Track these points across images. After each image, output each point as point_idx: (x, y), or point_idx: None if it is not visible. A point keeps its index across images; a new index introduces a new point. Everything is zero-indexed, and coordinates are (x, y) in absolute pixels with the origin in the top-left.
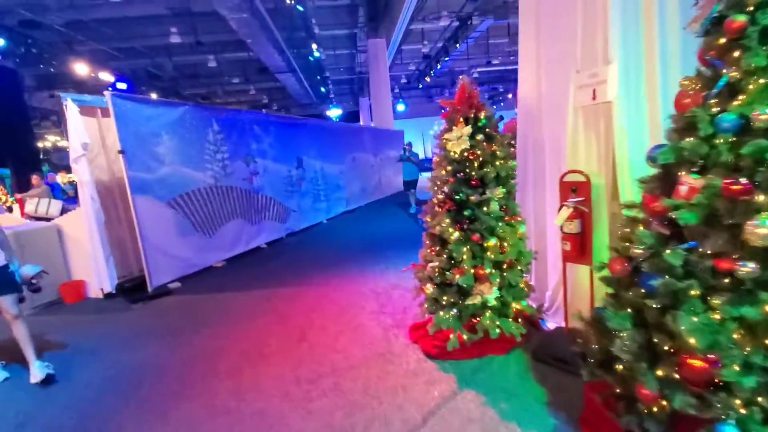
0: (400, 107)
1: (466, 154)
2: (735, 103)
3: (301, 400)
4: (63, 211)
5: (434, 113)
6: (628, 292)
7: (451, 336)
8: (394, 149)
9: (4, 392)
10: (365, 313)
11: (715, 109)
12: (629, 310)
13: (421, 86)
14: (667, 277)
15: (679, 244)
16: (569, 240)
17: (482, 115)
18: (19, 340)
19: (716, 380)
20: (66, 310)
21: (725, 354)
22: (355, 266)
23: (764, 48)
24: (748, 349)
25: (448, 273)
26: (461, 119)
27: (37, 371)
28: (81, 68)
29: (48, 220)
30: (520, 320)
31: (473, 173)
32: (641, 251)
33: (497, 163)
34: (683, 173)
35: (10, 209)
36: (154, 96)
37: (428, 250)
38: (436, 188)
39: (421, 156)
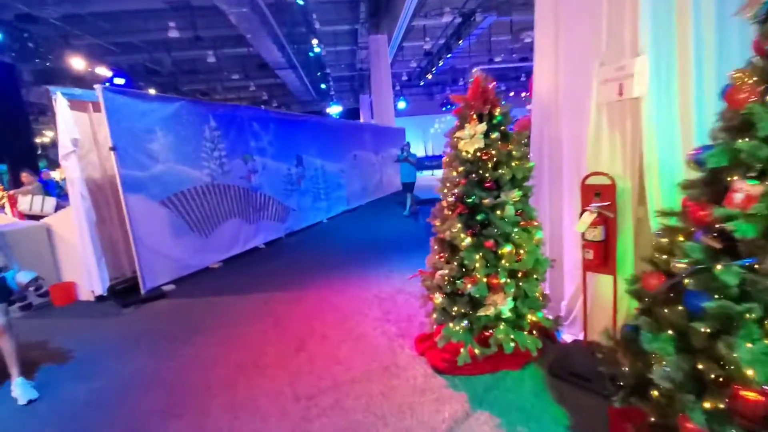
0: (401, 105)
1: (479, 153)
2: None
3: (300, 421)
4: (57, 208)
5: (435, 111)
6: (666, 311)
7: (462, 350)
8: (395, 147)
9: None
10: (368, 321)
11: None
12: (670, 332)
13: (422, 83)
14: (719, 297)
15: (733, 259)
16: (591, 248)
17: (497, 111)
18: (4, 354)
19: None
20: (55, 314)
21: None
22: (357, 269)
23: None
24: None
25: (458, 282)
26: (474, 116)
27: (20, 392)
28: (78, 63)
29: (42, 217)
30: (534, 332)
31: (487, 174)
32: (685, 266)
33: (513, 163)
34: (736, 178)
35: (2, 207)
36: (152, 91)
37: (437, 257)
38: (446, 190)
39: (422, 154)
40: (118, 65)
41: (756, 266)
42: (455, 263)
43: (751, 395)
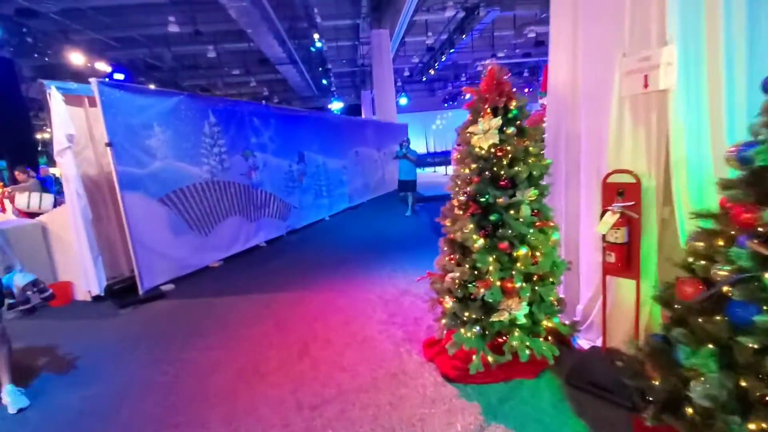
0: (403, 101)
1: (493, 150)
2: None
3: None
4: (56, 205)
5: (437, 107)
6: (705, 323)
7: (474, 357)
8: (397, 143)
9: None
10: (373, 324)
11: None
12: (711, 346)
13: (424, 79)
14: None
15: None
16: (613, 250)
17: (513, 105)
18: None
19: None
20: (50, 314)
21: None
22: (361, 268)
23: None
24: None
25: (470, 285)
26: (488, 110)
27: (10, 400)
28: (77, 58)
29: (40, 215)
30: (550, 338)
31: (502, 172)
32: (727, 273)
33: (530, 160)
34: None
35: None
36: (152, 87)
37: (447, 258)
38: (457, 188)
39: (423, 151)
40: (118, 60)
41: None
42: (467, 266)
43: None
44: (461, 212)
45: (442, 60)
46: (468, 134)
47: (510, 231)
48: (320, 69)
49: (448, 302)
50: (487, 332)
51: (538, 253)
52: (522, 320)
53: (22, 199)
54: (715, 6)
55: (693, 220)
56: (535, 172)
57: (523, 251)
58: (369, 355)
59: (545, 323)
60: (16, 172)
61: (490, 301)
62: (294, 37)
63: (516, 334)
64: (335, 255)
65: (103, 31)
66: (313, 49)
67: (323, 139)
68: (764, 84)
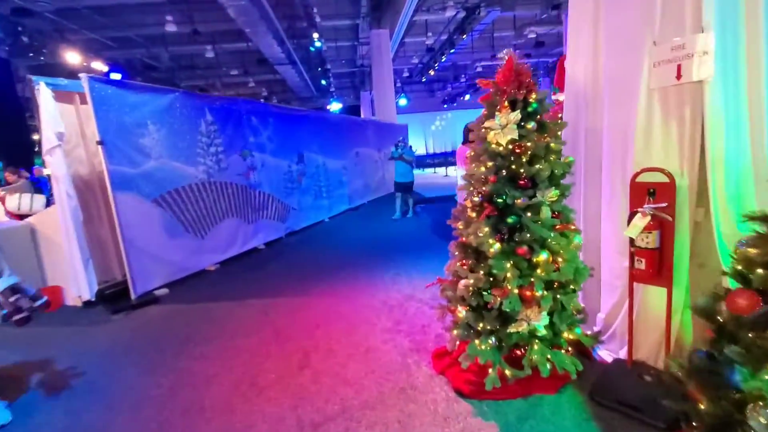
0: (402, 101)
1: (511, 146)
2: None
3: None
4: (48, 206)
5: (436, 108)
6: (762, 339)
7: (491, 371)
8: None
9: None
10: (377, 332)
11: None
12: None
13: (424, 80)
14: None
15: None
16: (644, 256)
17: (533, 97)
18: None
19: None
20: (39, 321)
21: None
22: (362, 272)
23: None
24: None
25: (486, 294)
26: (506, 103)
27: None
28: (73, 57)
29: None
30: (570, 350)
31: (521, 171)
32: None
33: (551, 158)
34: None
35: None
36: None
37: (459, 264)
38: (471, 188)
39: (422, 152)
40: (115, 60)
41: None
42: (481, 272)
43: None
44: (475, 214)
45: (442, 60)
46: (483, 130)
47: (528, 234)
48: (319, 69)
49: (461, 311)
50: (503, 344)
51: (560, 259)
52: (542, 331)
53: (12, 201)
54: None
55: (732, 223)
56: (556, 171)
57: (543, 257)
58: (374, 366)
59: (566, 334)
60: (6, 173)
61: (508, 310)
62: (293, 37)
63: (536, 347)
64: (336, 258)
65: (99, 31)
66: (312, 48)
67: (323, 139)
68: None
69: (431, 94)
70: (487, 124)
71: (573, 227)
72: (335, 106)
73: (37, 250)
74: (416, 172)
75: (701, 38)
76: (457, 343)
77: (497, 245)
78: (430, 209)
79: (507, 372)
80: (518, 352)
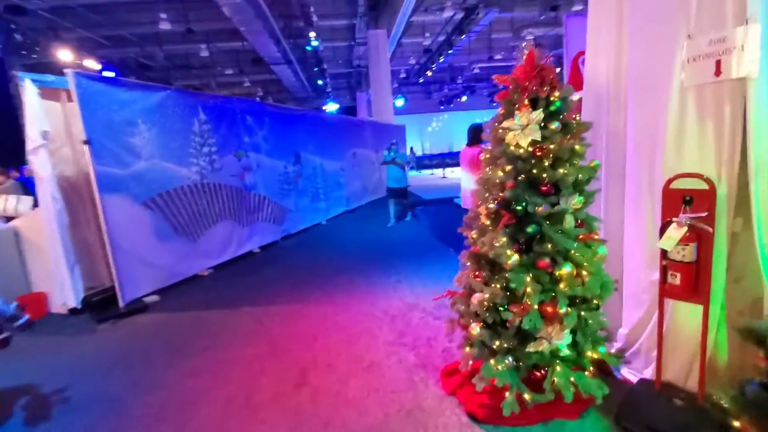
0: (399, 102)
1: (531, 149)
2: None
3: None
4: (35, 207)
5: (433, 110)
6: None
7: (508, 394)
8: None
9: None
10: (380, 345)
11: None
12: None
13: (421, 80)
14: None
15: None
16: (679, 271)
17: (555, 95)
18: None
19: None
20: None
21: None
22: (362, 277)
23: None
24: None
25: (502, 309)
26: (527, 101)
27: None
28: (66, 55)
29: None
30: (592, 370)
31: (544, 175)
32: None
33: (575, 161)
34: None
35: None
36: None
37: (472, 276)
38: (487, 194)
39: (419, 153)
40: (109, 59)
41: None
42: (498, 285)
43: None
44: (489, 222)
45: (440, 61)
46: (501, 130)
47: (549, 245)
48: (316, 69)
49: (475, 328)
50: (521, 364)
51: (584, 272)
52: (565, 351)
53: None
54: None
55: None
56: (581, 176)
57: (567, 270)
58: (377, 385)
59: (589, 353)
60: None
61: (527, 328)
62: (289, 37)
63: (558, 368)
64: (333, 262)
65: (93, 29)
66: (308, 48)
67: (320, 139)
68: None
69: (428, 95)
70: (505, 124)
71: (597, 237)
72: (332, 107)
73: (21, 255)
74: (412, 173)
75: (744, 31)
76: (471, 362)
77: (515, 257)
78: (429, 212)
79: (526, 396)
80: (537, 374)
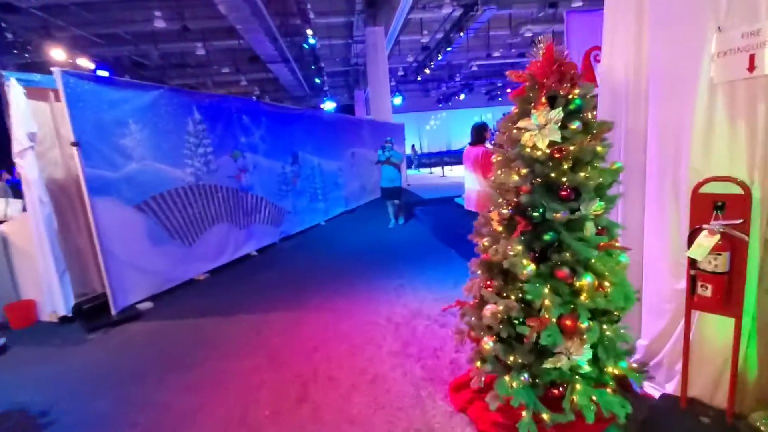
0: (397, 100)
1: (548, 150)
2: None
3: None
4: (25, 210)
5: (431, 108)
6: None
7: (525, 413)
8: (394, 144)
9: None
10: (383, 356)
11: None
12: None
13: (419, 78)
14: None
15: None
16: (711, 282)
17: (575, 92)
18: None
19: None
20: (8, 339)
21: None
22: (363, 282)
23: None
24: None
25: (517, 322)
26: (544, 98)
27: None
28: (59, 54)
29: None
30: (613, 386)
31: (563, 179)
32: None
33: (596, 164)
34: None
35: None
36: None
37: (483, 286)
38: (500, 199)
39: (419, 151)
40: (103, 58)
41: None
42: (512, 297)
43: None
44: (503, 229)
45: (438, 59)
46: (516, 131)
47: (568, 254)
48: (313, 67)
49: (488, 342)
50: (537, 381)
51: (606, 283)
52: (586, 368)
53: None
54: None
55: None
56: (603, 180)
57: (587, 280)
58: (383, 400)
59: (611, 369)
60: None
61: (546, 344)
62: (286, 35)
63: (579, 387)
64: (333, 265)
65: (86, 28)
66: (306, 46)
67: (318, 139)
68: None
69: (426, 93)
70: (521, 123)
71: (617, 243)
72: (329, 105)
73: (9, 261)
74: (412, 172)
75: None
76: (483, 378)
77: (532, 266)
78: (429, 212)
79: (544, 416)
80: (555, 391)
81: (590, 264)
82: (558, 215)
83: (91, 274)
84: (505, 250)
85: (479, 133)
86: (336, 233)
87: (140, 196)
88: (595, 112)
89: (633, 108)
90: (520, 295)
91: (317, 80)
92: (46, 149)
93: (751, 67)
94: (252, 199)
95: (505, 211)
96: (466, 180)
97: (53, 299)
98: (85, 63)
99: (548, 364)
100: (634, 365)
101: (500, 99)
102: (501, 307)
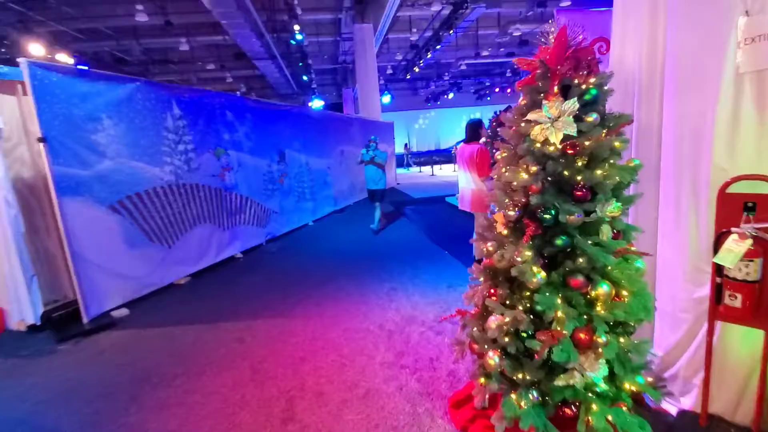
0: (386, 99)
1: (561, 146)
2: None
3: None
4: None
5: (419, 106)
6: None
7: None
8: (384, 142)
9: None
10: (376, 367)
11: None
12: None
13: (408, 76)
14: None
15: None
16: (741, 291)
17: (591, 81)
18: None
19: None
20: None
21: None
22: (353, 285)
23: None
24: None
25: (525, 335)
26: (557, 88)
27: None
28: (36, 49)
29: None
30: (629, 404)
31: (578, 177)
32: None
33: (613, 161)
34: None
35: None
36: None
37: (487, 294)
38: (507, 200)
39: (401, 150)
40: (83, 53)
41: None
42: (520, 307)
43: None
44: (509, 232)
45: (427, 57)
46: (524, 123)
47: (581, 260)
48: (300, 65)
49: (493, 358)
50: (548, 399)
51: (624, 292)
52: (602, 386)
53: None
54: None
55: None
56: (624, 179)
57: (604, 289)
58: (376, 418)
59: (628, 385)
60: None
61: (559, 361)
62: (272, 31)
63: (595, 407)
64: (322, 267)
65: (66, 22)
66: (293, 42)
67: (306, 136)
68: None
69: (414, 92)
70: (531, 116)
71: (633, 248)
72: (317, 104)
73: None
74: (401, 171)
75: None
76: (487, 397)
77: (542, 274)
78: (420, 212)
79: None
80: (567, 411)
81: (607, 271)
82: (572, 217)
83: (63, 279)
84: (513, 256)
85: (474, 130)
86: (325, 234)
87: (114, 195)
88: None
89: (645, 101)
90: (529, 306)
91: (305, 78)
92: (13, 146)
93: None
94: (236, 199)
95: (511, 213)
96: (460, 179)
97: (21, 307)
98: (65, 58)
99: (560, 382)
100: (650, 379)
101: (488, 98)
102: (508, 319)
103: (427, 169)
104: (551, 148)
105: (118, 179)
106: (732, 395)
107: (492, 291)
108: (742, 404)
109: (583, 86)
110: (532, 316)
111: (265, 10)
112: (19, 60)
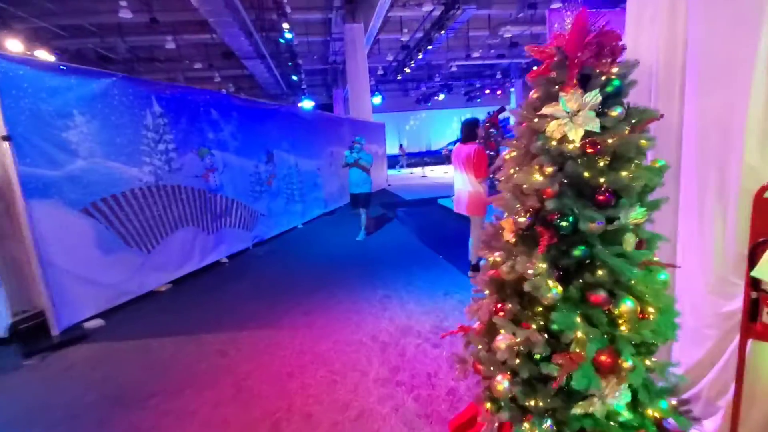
0: (377, 100)
1: (578, 144)
2: None
3: None
4: None
5: (410, 108)
6: None
7: None
8: (375, 143)
9: None
10: (370, 385)
11: None
12: None
13: (399, 77)
14: None
15: None
16: None
17: (613, 71)
18: None
19: None
20: None
21: None
22: (344, 292)
23: None
24: None
25: (539, 357)
26: (576, 79)
27: None
28: (15, 46)
29: None
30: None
31: (601, 180)
32: None
33: (638, 161)
34: None
35: None
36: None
37: (493, 309)
38: (518, 205)
39: (395, 152)
40: (66, 50)
41: None
42: (533, 326)
43: None
44: (518, 240)
45: (419, 58)
46: (538, 119)
47: (602, 272)
48: (290, 64)
49: (503, 382)
50: (564, 428)
51: (650, 309)
52: (625, 414)
53: None
54: None
55: None
56: (650, 182)
57: (628, 306)
58: None
59: (651, 411)
60: None
61: (578, 388)
62: (261, 29)
63: None
64: (311, 273)
65: (48, 18)
66: (282, 41)
67: (295, 136)
68: None
69: (405, 93)
70: (547, 110)
71: (656, 259)
72: (307, 104)
73: None
74: (392, 172)
75: None
76: (496, 425)
77: (558, 289)
78: (412, 214)
79: None
80: None
81: (631, 286)
82: (593, 225)
83: (32, 289)
84: (524, 268)
85: (471, 129)
86: (314, 237)
87: (88, 197)
88: None
89: (664, 96)
90: (542, 323)
91: (294, 78)
92: None
93: None
94: (221, 201)
95: (522, 220)
96: (456, 181)
97: None
98: (45, 55)
99: (578, 410)
100: (674, 402)
101: (479, 100)
102: (519, 339)
103: (418, 171)
104: (570, 147)
105: (91, 180)
106: (761, 421)
107: (499, 306)
108: None
109: (604, 77)
110: (547, 335)
111: (253, 9)
112: None
